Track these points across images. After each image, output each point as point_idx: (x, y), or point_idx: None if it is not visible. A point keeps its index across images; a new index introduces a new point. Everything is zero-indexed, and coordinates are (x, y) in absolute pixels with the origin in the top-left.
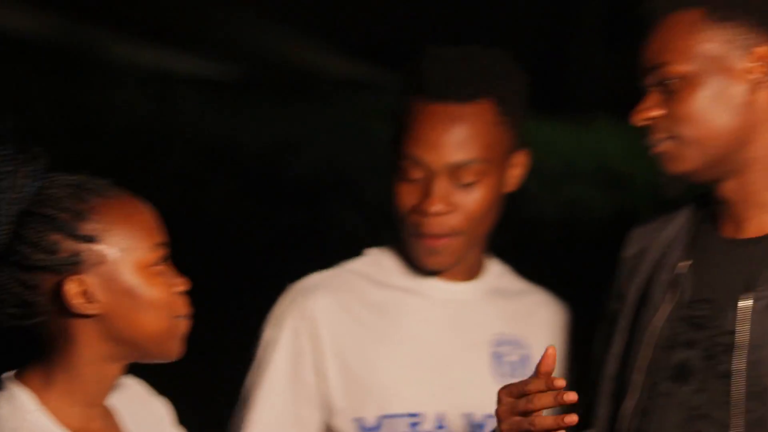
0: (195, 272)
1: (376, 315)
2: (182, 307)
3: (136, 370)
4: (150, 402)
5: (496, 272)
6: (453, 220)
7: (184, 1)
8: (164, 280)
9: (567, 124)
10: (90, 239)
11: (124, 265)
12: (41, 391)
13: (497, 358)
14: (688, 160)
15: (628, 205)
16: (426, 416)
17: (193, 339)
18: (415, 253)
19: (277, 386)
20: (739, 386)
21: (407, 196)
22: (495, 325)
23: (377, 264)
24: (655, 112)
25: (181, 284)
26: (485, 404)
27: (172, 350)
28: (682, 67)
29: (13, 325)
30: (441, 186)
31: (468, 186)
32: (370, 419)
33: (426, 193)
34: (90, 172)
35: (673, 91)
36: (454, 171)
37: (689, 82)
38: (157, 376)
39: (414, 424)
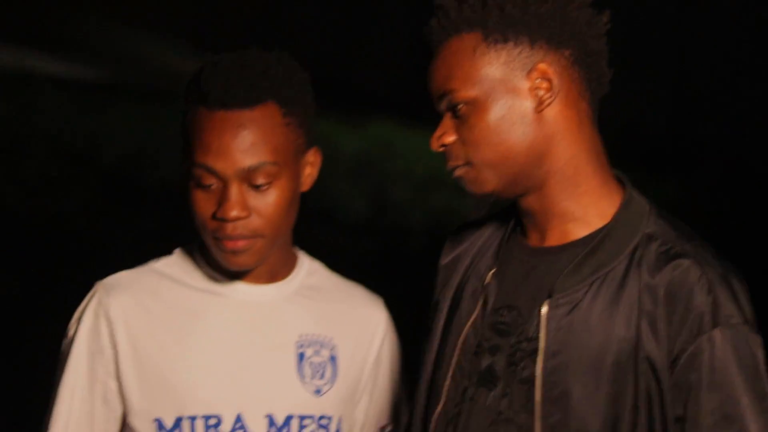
0: (52, 275)
1: (176, 315)
2: (219, 228)
3: None
4: None
5: (305, 271)
6: (251, 224)
7: (45, 2)
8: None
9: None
10: None
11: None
12: None
13: (301, 359)
14: (486, 183)
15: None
16: (224, 417)
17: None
18: (217, 256)
19: (76, 384)
20: (538, 391)
21: (203, 203)
22: (299, 326)
23: (182, 264)
24: (449, 138)
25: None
26: (287, 405)
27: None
28: (467, 93)
29: None
30: (235, 192)
31: (261, 189)
32: (168, 420)
33: (221, 200)
34: None
35: (463, 117)
36: (246, 175)
37: (476, 107)
38: None
39: (212, 426)
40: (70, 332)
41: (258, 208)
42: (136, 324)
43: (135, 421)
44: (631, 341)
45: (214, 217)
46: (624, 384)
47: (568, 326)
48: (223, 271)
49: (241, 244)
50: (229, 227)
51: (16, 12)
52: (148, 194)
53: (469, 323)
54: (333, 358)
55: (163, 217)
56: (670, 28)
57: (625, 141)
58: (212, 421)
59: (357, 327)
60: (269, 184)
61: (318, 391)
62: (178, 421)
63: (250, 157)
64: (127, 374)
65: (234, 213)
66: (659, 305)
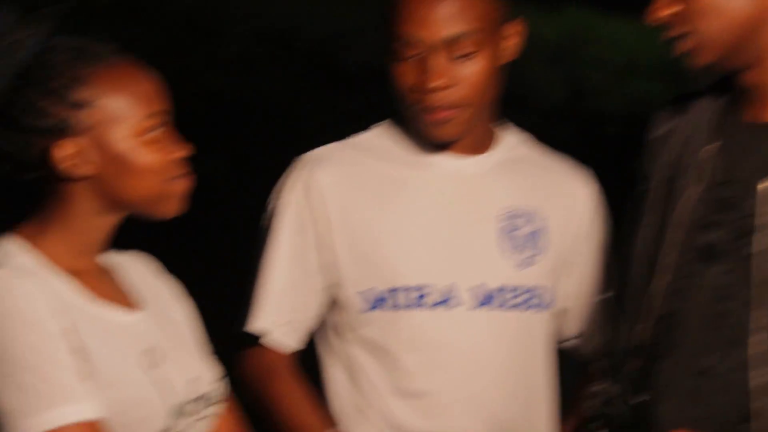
0: (252, 156)
1: (382, 187)
2: (177, 170)
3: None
4: (158, 277)
5: (511, 143)
6: (455, 94)
7: None
8: (159, 147)
9: (631, 18)
10: (80, 105)
11: (116, 131)
12: (35, 239)
13: (507, 231)
14: (709, 52)
15: None
16: (433, 288)
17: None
18: (421, 128)
19: (281, 256)
20: (760, 268)
21: (406, 75)
22: (505, 198)
23: (384, 138)
24: (671, 9)
25: (178, 151)
26: (493, 276)
27: (167, 210)
28: None
29: (10, 178)
30: (438, 61)
31: (464, 58)
32: (378, 291)
33: (424, 70)
34: (142, 54)
35: None
36: (449, 45)
37: None
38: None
39: (421, 296)
40: (273, 206)
41: (461, 78)
42: (343, 196)
43: (344, 292)
44: None
45: (417, 88)
46: None
47: None
48: (426, 144)
49: (444, 114)
50: (433, 98)
51: None
52: (347, 75)
53: (690, 198)
54: (541, 230)
55: (363, 99)
56: None
57: None
58: (423, 292)
59: (566, 199)
60: (473, 53)
61: (524, 263)
62: (388, 292)
63: (454, 26)
64: (336, 245)
65: (437, 83)
66: None
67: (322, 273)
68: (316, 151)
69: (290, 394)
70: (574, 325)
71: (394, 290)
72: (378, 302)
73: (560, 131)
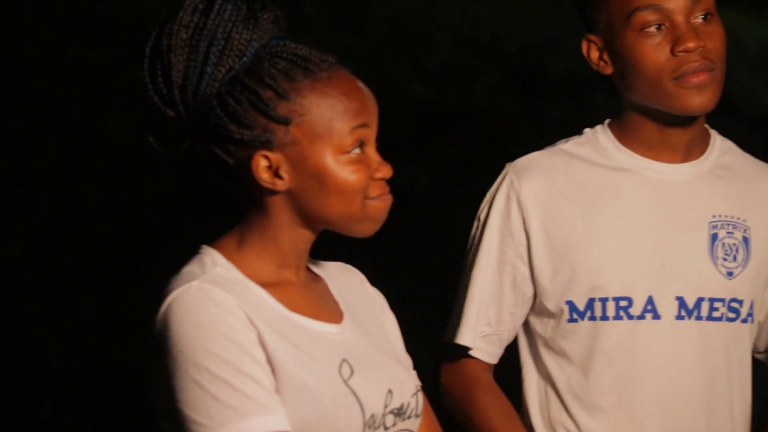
0: (459, 165)
1: (589, 196)
2: (377, 191)
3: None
4: (366, 287)
5: (719, 149)
6: (709, 54)
7: None
8: (360, 166)
9: None
10: (285, 121)
11: (317, 147)
12: (234, 251)
13: (713, 240)
14: None
15: None
16: (635, 299)
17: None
18: (678, 101)
19: (488, 267)
20: None
21: (655, 49)
22: (712, 207)
23: (593, 143)
24: None
25: (379, 172)
26: (698, 287)
27: (362, 230)
28: None
29: (212, 184)
30: (686, 23)
31: (710, 23)
32: (580, 302)
33: (675, 37)
34: (348, 62)
35: None
36: (691, 7)
37: None
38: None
39: (623, 307)
40: (482, 215)
41: (709, 37)
42: (548, 206)
43: (546, 303)
44: None
45: (673, 55)
46: None
47: None
48: (637, 151)
49: (704, 76)
50: (691, 58)
51: None
52: (552, 83)
53: None
54: (746, 240)
55: (567, 106)
56: None
57: None
58: (623, 303)
59: None
60: (713, 16)
61: (730, 274)
62: (590, 303)
63: None
64: (538, 257)
65: (693, 43)
66: None
67: (526, 284)
68: (523, 159)
69: (492, 407)
70: None
71: (597, 300)
72: (581, 313)
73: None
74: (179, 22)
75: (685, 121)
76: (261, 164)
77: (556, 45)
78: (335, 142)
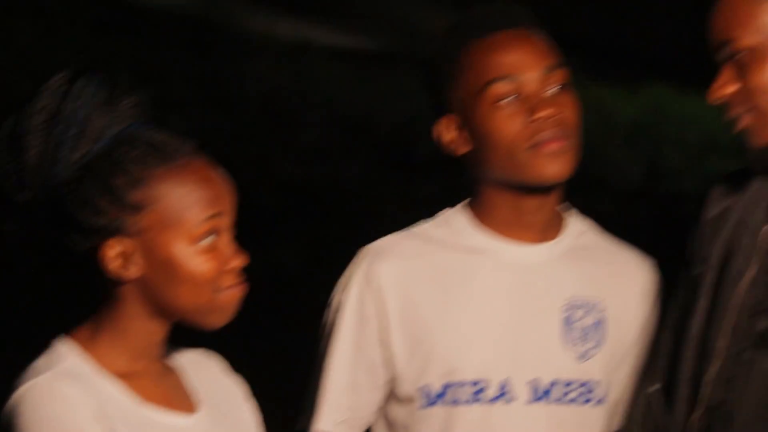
0: (325, 244)
1: (444, 279)
2: (229, 281)
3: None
4: (224, 376)
5: (576, 231)
6: (565, 120)
7: None
8: (211, 256)
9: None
10: (137, 207)
11: (168, 236)
12: (88, 341)
13: (568, 322)
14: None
15: None
16: (490, 383)
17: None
18: (534, 170)
19: (343, 353)
20: None
21: (509, 120)
22: (568, 288)
23: (447, 225)
24: (730, 88)
25: (234, 260)
26: (552, 370)
27: (211, 322)
28: (749, 41)
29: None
30: (543, 93)
31: (563, 93)
32: (435, 387)
33: (530, 106)
34: (218, 142)
35: (745, 65)
36: (545, 78)
37: (759, 54)
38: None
39: (477, 392)
40: (336, 300)
41: (564, 106)
42: (404, 290)
43: (402, 388)
44: None
45: (527, 125)
46: None
47: None
48: (494, 233)
49: (560, 144)
50: (547, 125)
51: None
52: (422, 162)
53: (745, 282)
54: (600, 322)
55: (437, 185)
56: None
57: None
58: (478, 387)
59: (626, 289)
60: (564, 85)
61: (583, 356)
62: (445, 388)
63: (544, 59)
64: (394, 342)
65: (548, 111)
66: None
67: (383, 369)
68: (378, 242)
69: None
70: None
71: (451, 385)
72: (436, 398)
73: (637, 211)
74: (37, 104)
75: (541, 196)
76: (109, 252)
77: (427, 123)
78: (187, 231)
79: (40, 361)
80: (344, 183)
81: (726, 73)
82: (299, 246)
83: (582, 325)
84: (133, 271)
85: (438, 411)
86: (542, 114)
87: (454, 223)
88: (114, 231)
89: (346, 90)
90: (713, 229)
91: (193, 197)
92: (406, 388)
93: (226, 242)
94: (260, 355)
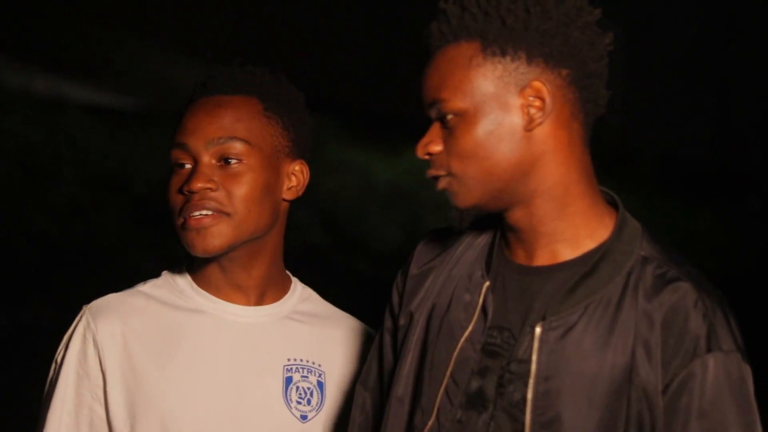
0: (87, 295)
1: (164, 337)
2: None
3: None
4: None
5: (298, 296)
6: (217, 198)
7: (80, 29)
8: None
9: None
10: None
11: None
12: None
13: (288, 383)
14: (469, 196)
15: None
16: None
17: None
18: (184, 240)
19: (63, 410)
20: (528, 415)
21: (175, 184)
22: (288, 350)
23: (170, 284)
24: (435, 147)
25: None
26: (274, 430)
27: None
28: (457, 104)
29: None
30: (203, 164)
31: (232, 165)
32: None
33: (190, 176)
34: None
35: (451, 128)
36: (217, 150)
37: (465, 119)
38: None
39: None
40: (59, 357)
41: (226, 184)
42: (123, 347)
43: None
44: (626, 368)
45: (180, 193)
46: (617, 410)
47: (561, 350)
48: (215, 293)
49: (205, 221)
50: (195, 199)
51: (50, 40)
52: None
53: (464, 339)
54: (320, 384)
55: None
56: (715, 52)
57: (662, 169)
58: None
59: (346, 355)
60: (239, 162)
61: (304, 417)
62: None
63: (222, 130)
64: (114, 400)
65: (200, 184)
66: (655, 330)
67: (103, 428)
68: (101, 300)
69: None
70: None
71: None
72: None
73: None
74: None
75: (243, 264)
76: None
77: None
78: None
79: None
80: (100, 239)
81: (434, 131)
82: (56, 300)
83: (301, 386)
84: None
85: None
86: (192, 186)
87: (176, 283)
88: None
89: (102, 146)
90: (416, 284)
91: None
92: None
93: None
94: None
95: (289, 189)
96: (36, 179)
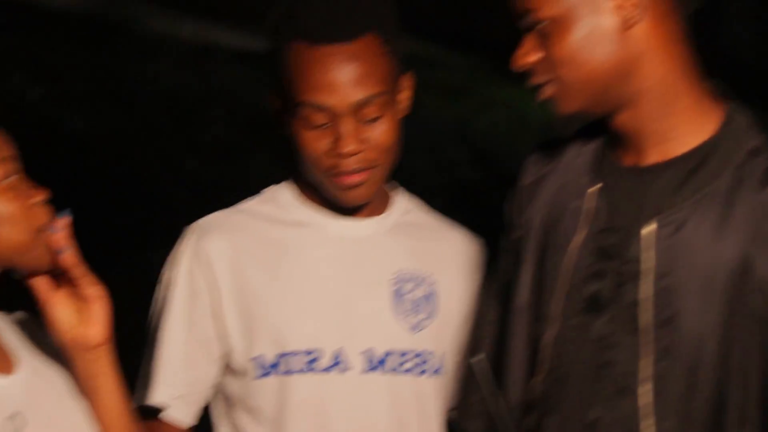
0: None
1: (272, 252)
2: (42, 217)
3: None
4: (44, 336)
5: (403, 208)
6: (367, 156)
7: None
8: (17, 193)
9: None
10: None
11: None
12: None
13: (398, 295)
14: (573, 101)
15: None
16: (323, 352)
17: None
18: (332, 194)
19: (175, 329)
20: (646, 314)
21: (315, 142)
22: (397, 261)
23: (275, 200)
24: (533, 57)
25: (38, 195)
26: (385, 341)
27: (38, 262)
28: (550, 11)
29: None
30: (350, 126)
31: (372, 121)
32: (268, 357)
33: (336, 136)
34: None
35: (547, 34)
36: (358, 109)
37: (558, 26)
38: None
39: (311, 361)
40: (166, 276)
41: (371, 140)
42: (231, 264)
43: (235, 360)
44: (743, 260)
45: (329, 154)
46: (737, 305)
47: (676, 246)
48: (319, 206)
49: (358, 178)
50: (348, 162)
51: None
52: None
53: (577, 244)
54: (431, 294)
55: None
56: None
57: None
58: (310, 357)
59: (453, 264)
60: (381, 115)
61: (415, 328)
62: (278, 358)
63: (361, 90)
64: (226, 315)
65: (351, 147)
66: None
67: (217, 343)
68: (204, 219)
69: None
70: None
71: (284, 355)
72: (270, 368)
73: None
74: None
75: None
76: None
77: None
78: None
79: None
80: (249, 179)
81: (528, 42)
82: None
83: (412, 297)
84: None
85: (272, 381)
86: (343, 150)
87: (280, 199)
88: None
89: (248, 88)
90: (529, 195)
91: None
92: (239, 360)
93: (24, 181)
94: None
95: (402, 106)
96: (185, 121)
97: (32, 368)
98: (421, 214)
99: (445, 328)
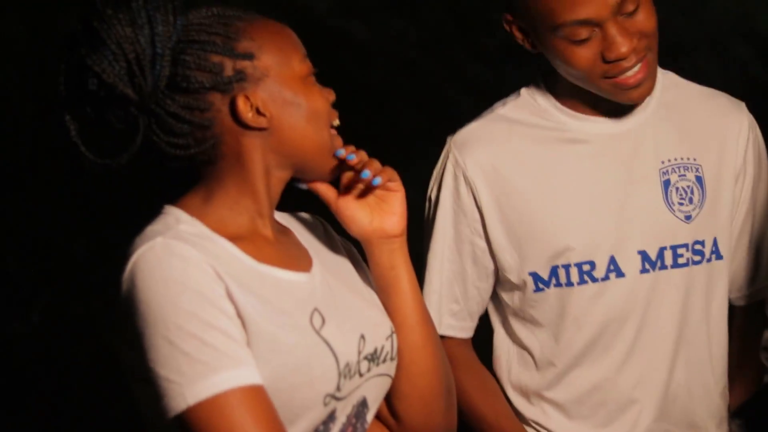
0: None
1: (533, 162)
2: (336, 115)
3: None
4: (331, 232)
5: (660, 86)
6: (640, 46)
7: None
8: (319, 89)
9: None
10: (249, 56)
11: (284, 77)
12: (199, 208)
13: (667, 186)
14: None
15: None
16: (598, 261)
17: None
18: (615, 96)
19: (445, 247)
20: None
21: (585, 54)
22: (660, 152)
23: (531, 105)
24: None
25: (332, 95)
26: (658, 237)
27: (329, 165)
28: None
29: (180, 155)
30: (617, 28)
31: (633, 13)
32: (543, 271)
33: (608, 42)
34: (404, 46)
35: (635, 13)
36: (618, 10)
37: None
38: None
39: (587, 272)
40: (432, 194)
41: (638, 30)
42: (495, 179)
43: (509, 275)
44: None
45: (606, 60)
46: None
47: None
48: (576, 109)
49: (641, 74)
50: (626, 62)
51: None
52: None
53: None
54: (699, 179)
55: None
56: None
57: None
58: (586, 267)
59: (719, 140)
60: (637, 5)
61: (688, 217)
62: (553, 270)
63: None
64: (494, 232)
65: (626, 48)
66: None
67: (487, 259)
68: (463, 131)
69: (472, 385)
70: (741, 271)
71: (560, 268)
72: (546, 282)
73: None
74: (101, 6)
75: None
76: (242, 104)
77: None
78: (295, 70)
79: (155, 226)
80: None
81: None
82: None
83: (681, 186)
84: (264, 120)
85: (551, 293)
86: (619, 53)
87: (538, 104)
88: (238, 83)
89: None
90: None
91: (287, 41)
92: (513, 275)
93: (315, 81)
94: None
95: None
96: (469, 28)
97: (324, 266)
98: (679, 89)
99: (716, 212)
